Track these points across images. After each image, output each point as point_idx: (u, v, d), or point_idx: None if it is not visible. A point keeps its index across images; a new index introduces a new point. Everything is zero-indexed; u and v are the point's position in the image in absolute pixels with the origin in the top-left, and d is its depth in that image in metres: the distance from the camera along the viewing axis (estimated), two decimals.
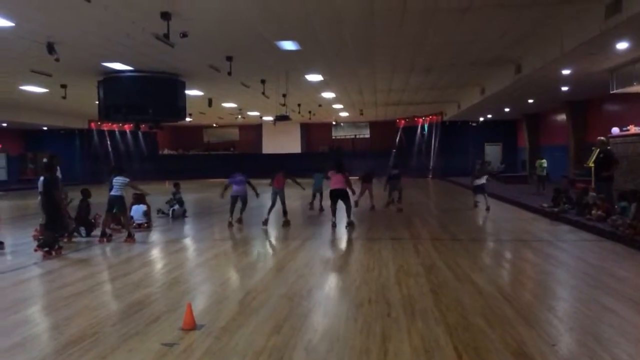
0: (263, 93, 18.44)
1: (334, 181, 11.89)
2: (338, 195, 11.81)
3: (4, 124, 27.51)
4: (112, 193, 10.35)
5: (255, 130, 37.97)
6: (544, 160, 17.63)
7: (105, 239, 10.17)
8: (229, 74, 14.44)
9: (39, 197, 9.40)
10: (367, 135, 38.52)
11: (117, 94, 15.81)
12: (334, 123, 36.73)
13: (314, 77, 17.88)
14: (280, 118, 20.68)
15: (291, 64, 15.43)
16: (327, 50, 13.46)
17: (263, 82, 17.74)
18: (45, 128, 30.39)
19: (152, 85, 15.81)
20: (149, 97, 15.80)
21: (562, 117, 23.44)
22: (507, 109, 24.77)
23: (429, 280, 6.68)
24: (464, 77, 18.21)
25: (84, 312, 5.55)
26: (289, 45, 12.84)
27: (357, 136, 38.80)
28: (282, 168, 13.65)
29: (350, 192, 12.27)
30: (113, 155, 32.66)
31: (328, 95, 22.67)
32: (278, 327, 4.96)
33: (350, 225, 11.65)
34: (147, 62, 14.55)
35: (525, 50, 13.68)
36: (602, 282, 6.51)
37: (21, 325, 5.14)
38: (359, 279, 6.77)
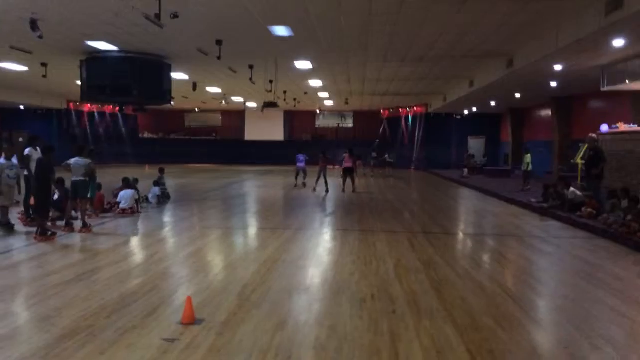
0: (250, 79, 18.08)
1: (346, 161, 17.39)
2: (348, 171, 17.41)
3: None
4: (75, 178, 9.47)
5: (238, 116, 37.46)
6: (529, 155, 17.65)
7: (69, 228, 9.38)
8: (219, 58, 14.11)
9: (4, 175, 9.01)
10: (351, 125, 38.33)
11: (101, 75, 15.32)
12: (318, 112, 36.42)
13: (303, 65, 17.61)
14: (269, 105, 20.36)
15: (282, 50, 15.15)
16: (320, 37, 13.21)
17: (251, 67, 17.40)
18: (22, 107, 29.48)
19: (137, 67, 15.36)
20: (134, 78, 15.35)
21: (547, 112, 23.60)
22: (493, 103, 24.82)
23: (429, 276, 6.56)
24: (454, 69, 18.13)
25: (75, 303, 5.28)
26: (281, 30, 12.56)
27: (341, 125, 38.57)
28: (323, 153, 18.58)
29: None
30: (92, 137, 31.90)
31: (315, 83, 22.41)
32: (282, 323, 4.79)
33: (354, 191, 17.30)
34: (133, 43, 14.11)
35: (519, 44, 13.64)
36: (603, 281, 6.46)
37: (8, 316, 4.87)
38: (358, 273, 6.61)
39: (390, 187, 20.81)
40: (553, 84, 17.71)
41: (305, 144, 36.25)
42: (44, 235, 8.44)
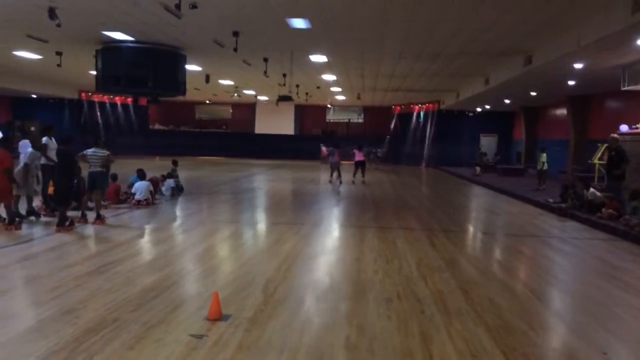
0: (265, 72, 17.97)
1: (357, 156, 19.42)
2: (360, 163, 19.43)
3: None
4: (92, 169, 9.37)
5: (248, 109, 37.38)
6: (544, 154, 17.43)
7: (83, 219, 9.26)
8: (235, 50, 13.98)
9: (21, 167, 8.96)
10: (361, 120, 38.16)
11: (116, 65, 15.26)
12: (329, 106, 36.25)
13: (318, 58, 17.48)
14: (283, 98, 20.25)
15: (298, 43, 15.02)
16: (337, 30, 13.08)
17: (266, 60, 17.29)
18: (34, 96, 29.50)
19: (153, 58, 15.28)
20: (149, 69, 15.27)
21: (562, 111, 23.34)
22: (507, 101, 24.60)
23: (453, 275, 6.45)
24: (469, 66, 17.93)
25: (98, 295, 5.22)
26: (299, 23, 12.42)
27: (351, 120, 38.41)
28: (338, 148, 19.93)
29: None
30: (103, 128, 31.92)
31: (329, 77, 22.27)
32: (309, 321, 4.70)
33: (364, 183, 18.86)
34: (150, 33, 14.03)
35: (539, 41, 13.43)
36: (629, 284, 6.35)
37: (33, 307, 4.81)
38: (381, 272, 6.52)
39: (403, 184, 20.67)
40: (571, 83, 17.50)
41: (316, 139, 36.25)
42: (63, 225, 8.38)
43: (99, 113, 32.72)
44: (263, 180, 20.69)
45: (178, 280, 5.86)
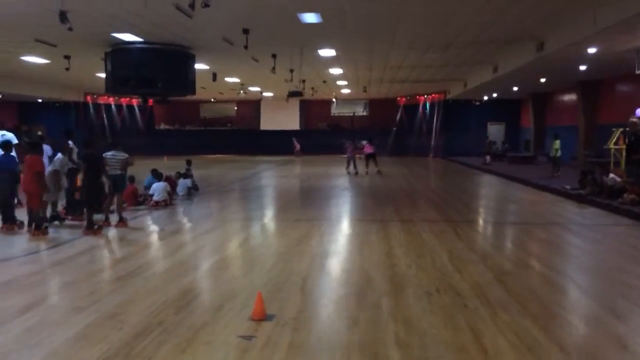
0: (273, 68, 17.90)
1: (367, 148, 20.74)
2: (371, 156, 20.51)
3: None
4: (112, 172, 9.29)
5: (253, 106, 37.29)
6: (558, 141, 17.31)
7: (107, 223, 9.19)
8: (245, 47, 13.91)
9: (50, 172, 8.95)
10: (366, 113, 38.05)
11: (125, 66, 15.21)
12: (334, 100, 36.14)
13: (327, 53, 17.41)
14: (293, 94, 20.22)
15: (307, 39, 14.95)
16: (348, 23, 12.98)
17: (274, 56, 17.21)
18: (40, 100, 29.48)
19: (162, 58, 15.23)
20: (158, 70, 15.23)
21: (571, 97, 23.22)
22: (515, 88, 24.44)
23: (487, 267, 6.41)
24: (478, 54, 17.81)
25: (137, 299, 5.21)
26: (311, 17, 12.35)
27: (356, 114, 38.30)
28: (353, 141, 21.42)
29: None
30: (109, 129, 31.91)
31: (335, 71, 22.19)
32: (354, 318, 4.66)
33: (379, 173, 19.74)
34: (159, 34, 13.97)
35: (552, 27, 13.31)
36: None
37: (75, 313, 4.79)
38: (414, 266, 6.48)
39: (415, 175, 20.63)
40: (582, 68, 17.37)
41: (322, 133, 36.21)
42: (91, 228, 8.38)
43: (105, 115, 32.68)
44: (274, 176, 20.67)
45: (213, 282, 5.84)
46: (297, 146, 33.82)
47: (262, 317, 4.62)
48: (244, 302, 5.05)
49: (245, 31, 13.46)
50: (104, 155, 9.45)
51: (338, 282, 5.82)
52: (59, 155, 9.16)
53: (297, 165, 26.73)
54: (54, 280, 5.91)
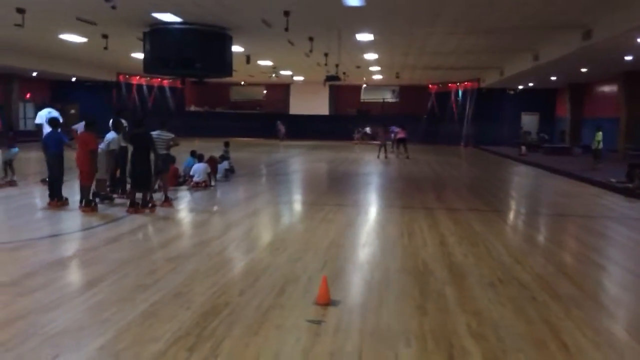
0: (310, 51, 17.74)
1: (400, 133, 22.15)
2: (402, 140, 21.98)
3: (34, 73, 26.92)
4: (159, 151, 9.12)
5: (282, 90, 37.16)
6: (600, 133, 16.81)
7: (152, 202, 9.00)
8: (286, 29, 13.77)
9: (104, 150, 9.01)
10: (396, 100, 37.63)
11: (165, 47, 15.21)
12: (364, 86, 35.79)
13: (365, 37, 17.21)
14: (331, 79, 20.05)
15: (347, 22, 14.75)
16: (391, 6, 12.74)
17: (311, 39, 17.03)
18: (73, 79, 29.78)
19: (201, 39, 15.20)
20: (197, 51, 15.20)
21: (612, 88, 22.60)
22: (553, 78, 23.87)
23: (547, 259, 6.25)
24: (521, 40, 17.34)
25: (198, 278, 5.18)
26: (354, 0, 12.15)
27: (386, 100, 37.92)
28: (385, 126, 22.79)
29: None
30: (140, 110, 32.13)
31: (370, 56, 21.95)
32: (421, 307, 4.56)
33: (407, 158, 20.79)
34: (198, 14, 13.91)
35: (602, 14, 12.87)
36: None
37: (140, 290, 4.78)
38: (471, 256, 6.33)
39: (450, 164, 20.35)
40: (628, 58, 16.84)
41: (350, 118, 35.94)
42: (146, 206, 8.44)
43: (136, 95, 32.89)
44: (307, 161, 20.59)
45: (270, 264, 5.77)
46: (282, 130, 33.63)
47: (327, 302, 4.55)
48: (306, 286, 4.99)
49: (286, 13, 13.32)
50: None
51: (396, 268, 5.70)
52: (114, 134, 9.19)
53: (325, 150, 26.59)
54: (111, 257, 5.90)
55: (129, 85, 32.48)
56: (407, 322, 4.21)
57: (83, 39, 18.36)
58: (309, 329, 4.04)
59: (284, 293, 4.82)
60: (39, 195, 9.84)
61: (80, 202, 8.44)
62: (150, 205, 8.63)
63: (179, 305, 4.45)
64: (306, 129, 35.59)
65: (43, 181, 11.19)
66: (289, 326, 4.08)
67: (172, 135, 9.57)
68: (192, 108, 37.10)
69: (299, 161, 20.33)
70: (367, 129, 33.59)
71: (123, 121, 9.64)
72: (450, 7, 12.69)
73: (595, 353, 3.74)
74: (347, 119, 36.12)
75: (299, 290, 4.91)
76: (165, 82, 34.21)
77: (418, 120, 34.16)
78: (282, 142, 32.35)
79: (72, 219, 7.96)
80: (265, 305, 4.49)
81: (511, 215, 9.13)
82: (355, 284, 5.15)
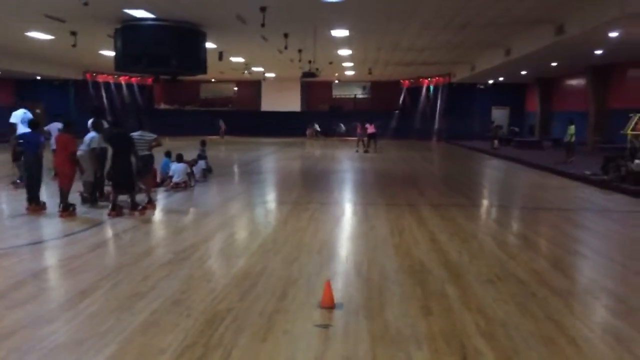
0: (285, 47, 17.57)
1: (370, 128, 22.70)
2: (373, 135, 22.63)
3: None
4: (141, 152, 8.94)
5: (253, 87, 36.79)
6: (573, 126, 17.15)
7: (152, 205, 9.01)
8: (262, 25, 13.61)
9: (84, 152, 8.73)
10: (368, 95, 37.74)
11: (137, 44, 14.80)
12: (336, 82, 35.76)
13: (340, 33, 17.15)
14: (307, 75, 19.92)
15: (323, 18, 14.66)
16: (368, 2, 12.69)
17: (286, 36, 16.87)
18: (38, 78, 28.86)
19: (175, 36, 14.85)
20: (170, 48, 14.85)
21: (579, 81, 23.12)
22: (523, 72, 24.27)
23: (539, 254, 6.33)
24: (493, 36, 17.52)
25: (194, 284, 5.04)
26: None
27: (358, 96, 38.00)
28: (372, 122, 23.08)
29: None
30: (108, 109, 31.34)
31: (343, 52, 21.89)
32: (425, 307, 4.53)
33: (375, 152, 22.00)
34: (171, 10, 13.61)
35: (576, 9, 13.08)
36: None
37: (136, 299, 4.61)
38: (464, 252, 6.36)
39: (425, 159, 20.51)
40: (597, 52, 17.22)
41: (322, 115, 35.87)
42: (135, 209, 8.21)
43: (104, 94, 32.08)
44: (283, 158, 20.44)
45: (266, 266, 5.66)
46: (223, 127, 33.39)
47: (331, 306, 4.48)
48: (307, 289, 4.91)
49: (263, 9, 13.15)
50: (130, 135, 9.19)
51: (393, 268, 5.67)
52: (94, 134, 8.89)
53: (303, 147, 26.48)
54: (100, 263, 5.70)
55: (96, 84, 31.64)
56: (414, 324, 4.18)
57: (50, 37, 17.77)
58: (318, 333, 3.97)
59: (286, 297, 4.73)
60: (13, 200, 9.47)
61: (59, 206, 8.14)
62: (140, 207, 8.39)
63: (180, 313, 4.32)
64: (279, 125, 35.34)
65: (14, 184, 10.80)
66: (297, 331, 3.99)
67: (155, 136, 9.35)
68: (162, 106, 36.42)
69: (275, 159, 20.18)
70: (316, 126, 34.66)
71: (104, 122, 9.34)
72: (426, 2, 12.71)
73: (604, 348, 3.77)
74: (319, 115, 36.02)
75: (301, 293, 4.83)
76: (134, 80, 33.47)
77: (390, 116, 34.34)
78: (222, 138, 32.08)
79: (51, 224, 7.67)
80: (269, 310, 4.40)
81: (494, 210, 9.22)
82: (355, 285, 5.08)
